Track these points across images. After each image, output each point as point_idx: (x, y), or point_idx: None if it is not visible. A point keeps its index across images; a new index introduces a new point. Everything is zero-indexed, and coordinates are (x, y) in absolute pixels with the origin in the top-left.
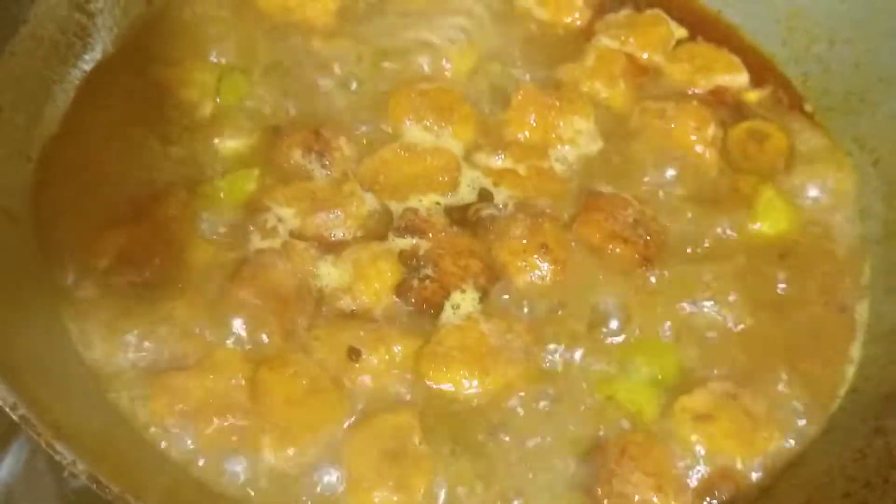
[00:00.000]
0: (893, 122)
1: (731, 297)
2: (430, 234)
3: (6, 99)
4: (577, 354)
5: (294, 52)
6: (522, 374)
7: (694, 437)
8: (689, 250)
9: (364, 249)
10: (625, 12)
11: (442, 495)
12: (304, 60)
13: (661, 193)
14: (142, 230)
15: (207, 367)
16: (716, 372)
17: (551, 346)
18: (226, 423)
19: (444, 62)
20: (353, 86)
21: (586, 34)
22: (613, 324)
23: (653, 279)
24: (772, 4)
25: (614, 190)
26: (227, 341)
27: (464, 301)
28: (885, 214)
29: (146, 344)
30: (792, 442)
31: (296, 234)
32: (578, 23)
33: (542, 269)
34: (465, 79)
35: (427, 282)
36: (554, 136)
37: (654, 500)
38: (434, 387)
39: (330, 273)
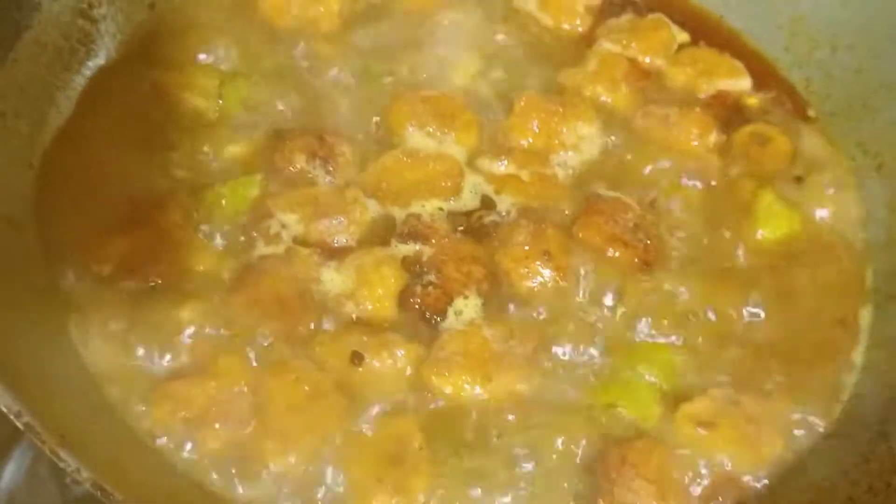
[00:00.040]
0: None
1: (733, 303)
2: (433, 240)
3: (9, 106)
4: (579, 361)
5: (296, 57)
6: (524, 379)
7: (696, 444)
8: (690, 255)
9: (367, 255)
10: (626, 17)
11: (441, 500)
12: (307, 65)
13: (662, 198)
14: (144, 236)
15: (210, 374)
16: (717, 378)
17: (553, 353)
18: (228, 430)
19: (446, 68)
20: (356, 91)
21: (588, 39)
22: (616, 330)
23: (654, 284)
24: (774, 10)
25: (617, 194)
26: (230, 348)
27: (466, 307)
28: (888, 219)
29: (149, 350)
30: (794, 447)
31: (299, 241)
32: (580, 29)
33: (545, 275)
34: (467, 85)
35: (430, 288)
36: (556, 141)
37: None
38: (437, 392)
39: (333, 279)
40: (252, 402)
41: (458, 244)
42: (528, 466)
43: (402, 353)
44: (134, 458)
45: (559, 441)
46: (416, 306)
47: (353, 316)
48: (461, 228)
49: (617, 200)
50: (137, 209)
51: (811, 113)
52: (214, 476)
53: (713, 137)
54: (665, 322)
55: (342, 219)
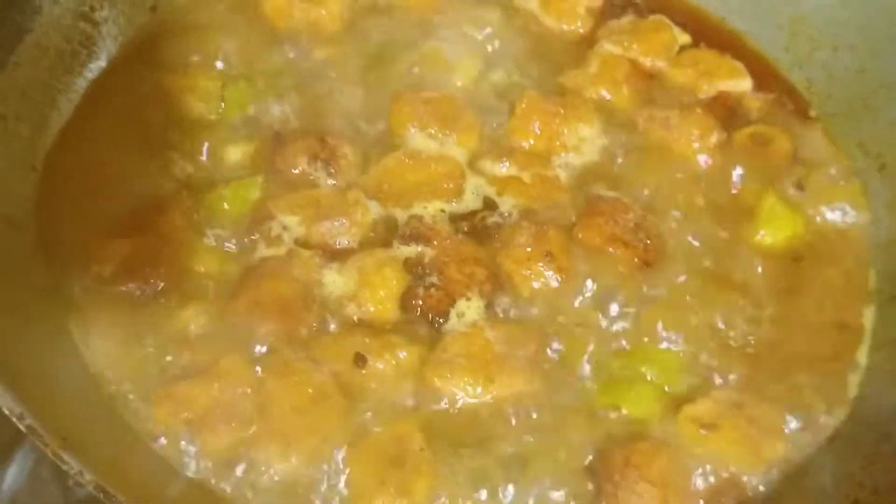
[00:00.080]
0: None
1: (735, 304)
2: (435, 242)
3: (11, 109)
4: (582, 363)
5: (298, 60)
6: (527, 381)
7: (699, 446)
8: (692, 257)
9: (369, 257)
10: (628, 18)
11: (443, 502)
12: (309, 68)
13: (664, 200)
14: (146, 238)
15: (213, 376)
16: (721, 380)
17: (556, 354)
18: (231, 432)
19: (448, 70)
20: (357, 93)
21: (589, 40)
22: (618, 331)
23: (656, 285)
24: (775, 11)
25: (618, 195)
26: (233, 350)
27: (469, 309)
28: (890, 220)
29: (151, 352)
30: (798, 449)
31: (301, 242)
32: (581, 30)
33: (547, 276)
34: (469, 86)
35: (432, 289)
36: (558, 143)
37: None
38: (439, 394)
39: (335, 281)
40: (254, 404)
41: (460, 246)
42: (531, 469)
43: (405, 354)
44: (136, 459)
45: (562, 442)
46: (419, 308)
47: (355, 318)
48: (463, 230)
49: (617, 201)
50: (139, 211)
51: (812, 113)
52: (217, 478)
53: (714, 138)
54: (667, 323)
55: (344, 220)
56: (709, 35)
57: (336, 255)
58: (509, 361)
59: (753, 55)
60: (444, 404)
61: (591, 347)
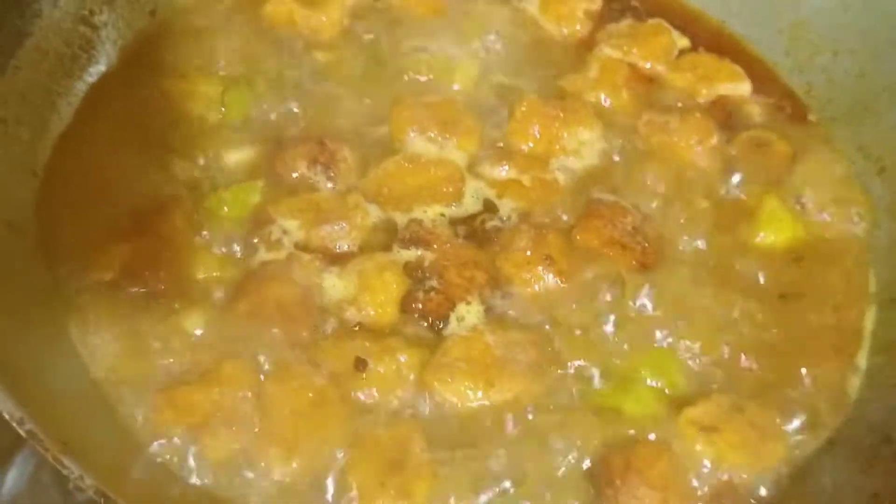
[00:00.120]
0: None
1: (735, 307)
2: (435, 246)
3: (11, 113)
4: (582, 366)
5: (298, 64)
6: (527, 385)
7: (700, 450)
8: (692, 260)
9: (369, 261)
10: (626, 22)
11: None
12: (309, 72)
13: (663, 203)
14: (146, 242)
15: (213, 380)
16: (721, 383)
17: (556, 358)
18: (232, 436)
19: (447, 74)
20: (357, 97)
21: (588, 44)
22: (618, 335)
23: (656, 288)
24: (775, 15)
25: (617, 199)
26: (233, 354)
27: (469, 313)
28: (889, 223)
29: (152, 357)
30: (799, 453)
31: (301, 246)
32: (580, 34)
33: (547, 280)
34: (468, 90)
35: (432, 293)
36: (558, 146)
37: None
38: (439, 398)
39: (335, 285)
40: (255, 408)
41: (460, 249)
42: (532, 473)
43: (405, 358)
44: (137, 464)
45: (563, 447)
46: (419, 312)
47: (356, 322)
48: (463, 234)
49: (616, 205)
50: (139, 215)
51: (812, 118)
52: (218, 482)
53: (713, 142)
54: (667, 326)
55: (344, 224)
56: (708, 39)
57: (336, 259)
58: (509, 365)
59: (753, 59)
60: (444, 408)
61: (591, 351)
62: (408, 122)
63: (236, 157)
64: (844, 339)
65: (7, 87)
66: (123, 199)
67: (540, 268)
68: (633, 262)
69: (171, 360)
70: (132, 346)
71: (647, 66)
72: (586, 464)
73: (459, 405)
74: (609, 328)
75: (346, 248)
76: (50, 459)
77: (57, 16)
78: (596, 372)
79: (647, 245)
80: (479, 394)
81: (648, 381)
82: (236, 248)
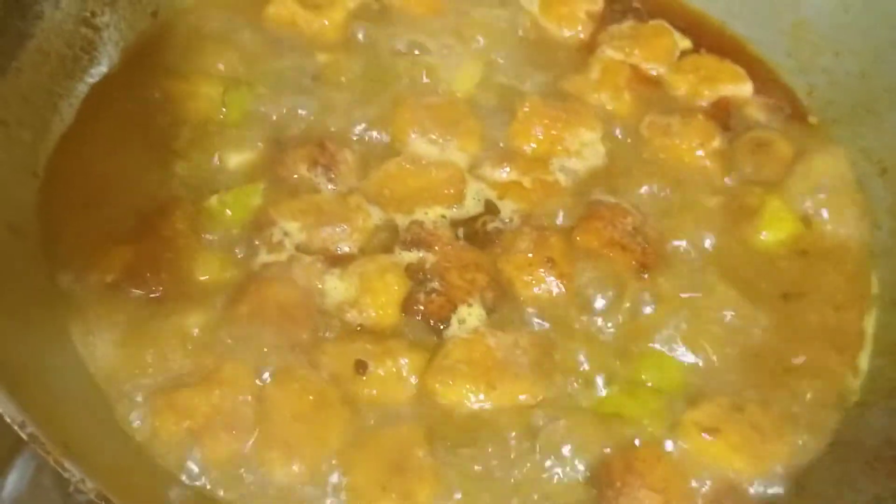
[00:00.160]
0: None
1: (737, 309)
2: (437, 248)
3: (12, 114)
4: (583, 368)
5: (300, 66)
6: (528, 388)
7: (701, 452)
8: (693, 261)
9: (370, 263)
10: (628, 23)
11: None
12: (310, 74)
13: (665, 205)
14: (148, 245)
15: (214, 383)
16: (722, 384)
17: (557, 360)
18: (233, 439)
19: (449, 75)
20: (359, 99)
21: (590, 45)
22: (619, 337)
23: (657, 290)
24: (776, 16)
25: (618, 201)
26: (234, 356)
27: (470, 315)
28: (891, 225)
29: (153, 359)
30: (800, 455)
31: (302, 248)
32: (581, 35)
33: (549, 282)
34: (469, 92)
35: (434, 295)
36: (560, 148)
37: None
38: (440, 400)
39: (336, 287)
40: (256, 411)
41: (462, 251)
42: (533, 474)
43: (406, 361)
44: (138, 467)
45: (564, 449)
46: (420, 314)
47: (357, 324)
48: (464, 235)
49: (617, 206)
50: (141, 217)
51: (813, 119)
52: (219, 485)
53: (715, 144)
54: (669, 328)
55: (345, 226)
56: (709, 40)
57: (337, 261)
58: (511, 368)
59: (754, 60)
60: (445, 410)
61: (592, 353)
62: (409, 124)
63: (237, 158)
64: (846, 341)
65: (9, 89)
66: (125, 200)
67: (541, 270)
68: (633, 263)
69: (172, 362)
70: (133, 348)
71: (649, 67)
72: (587, 465)
73: (461, 407)
74: (610, 330)
75: (347, 249)
76: (51, 462)
77: (58, 17)
78: (597, 374)
79: (647, 246)
80: (481, 396)
81: (649, 383)
82: (237, 249)
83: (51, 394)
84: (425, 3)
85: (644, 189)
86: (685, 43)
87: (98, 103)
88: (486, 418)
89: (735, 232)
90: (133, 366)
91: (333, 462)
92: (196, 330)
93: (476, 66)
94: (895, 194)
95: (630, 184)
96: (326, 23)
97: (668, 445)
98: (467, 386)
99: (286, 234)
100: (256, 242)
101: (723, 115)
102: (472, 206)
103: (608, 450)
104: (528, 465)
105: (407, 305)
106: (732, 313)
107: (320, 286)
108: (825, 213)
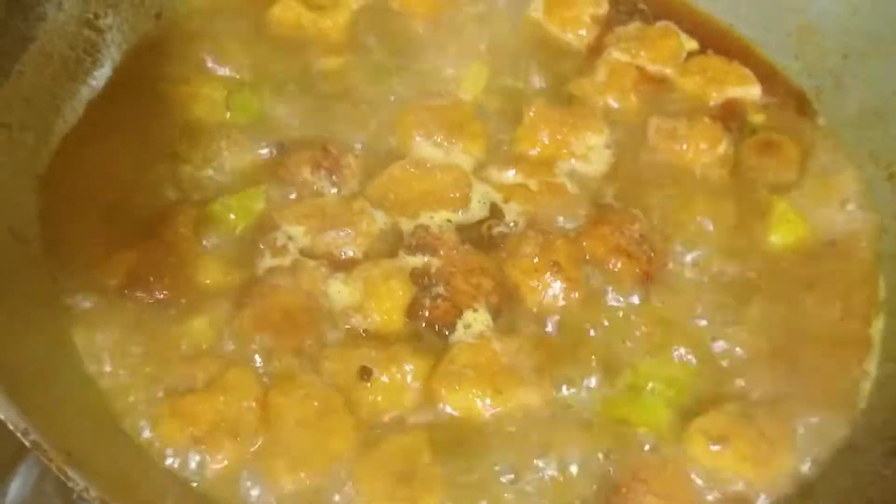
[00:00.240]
0: None
1: (744, 314)
2: (442, 252)
3: (15, 118)
4: (590, 374)
5: (304, 69)
6: (534, 393)
7: (708, 460)
8: (700, 266)
9: (375, 267)
10: (634, 25)
11: None
12: (314, 76)
13: (672, 208)
14: (151, 249)
15: (218, 389)
16: (729, 392)
17: (563, 366)
18: (237, 446)
19: (454, 78)
20: (363, 102)
21: (596, 48)
22: (626, 343)
23: (664, 297)
24: (783, 18)
25: (625, 205)
26: (238, 362)
27: (476, 320)
28: None
29: (156, 365)
30: (808, 463)
31: (306, 253)
32: (586, 38)
33: (555, 287)
34: (475, 94)
35: (439, 300)
36: (566, 151)
37: None
38: (446, 406)
39: (340, 292)
40: (260, 418)
41: (467, 256)
42: (539, 480)
43: (411, 367)
44: (142, 475)
45: (570, 455)
46: (425, 319)
47: (361, 329)
48: (470, 240)
49: (625, 211)
50: (144, 221)
51: (821, 121)
52: (223, 493)
53: (722, 147)
54: (675, 335)
55: (349, 230)
56: (716, 42)
57: (341, 266)
58: (517, 373)
59: (762, 62)
60: (451, 416)
61: (598, 358)
62: (413, 127)
63: (241, 162)
64: (855, 346)
65: (12, 92)
66: (128, 204)
67: (547, 274)
68: (637, 271)
69: (176, 368)
70: (136, 353)
71: (656, 69)
72: (593, 472)
73: (466, 413)
74: (617, 336)
75: (351, 254)
76: (54, 470)
77: (61, 19)
78: (604, 380)
79: (653, 255)
80: (487, 401)
81: (657, 390)
82: (241, 254)
83: (53, 400)
84: (430, 6)
85: (650, 192)
86: (692, 44)
87: (101, 106)
88: (492, 423)
89: (743, 234)
90: (136, 372)
91: (339, 471)
92: (199, 335)
93: (480, 69)
94: None
95: (636, 187)
96: (330, 23)
97: (675, 452)
98: (473, 391)
99: (290, 238)
100: (260, 246)
101: (730, 116)
102: (477, 210)
103: (614, 456)
104: (534, 470)
105: (412, 311)
106: (740, 319)
107: (325, 291)
108: (832, 217)
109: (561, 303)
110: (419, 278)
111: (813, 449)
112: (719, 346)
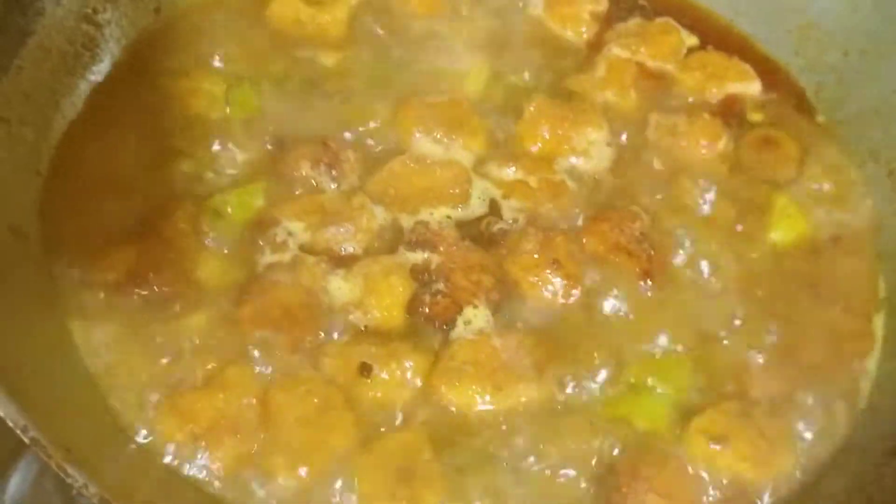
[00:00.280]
0: None
1: (744, 312)
2: (442, 248)
3: (14, 113)
4: (590, 372)
5: (303, 64)
6: (535, 390)
7: (708, 458)
8: (700, 264)
9: (375, 264)
10: (634, 21)
11: None
12: (314, 71)
13: (672, 205)
14: (151, 245)
15: (218, 386)
16: (730, 391)
17: (563, 363)
18: (237, 443)
19: (453, 74)
20: (362, 97)
21: (596, 45)
22: (626, 341)
23: (665, 294)
24: (784, 14)
25: (625, 202)
26: (238, 359)
27: (476, 316)
28: None
29: (156, 362)
30: (808, 462)
31: (306, 249)
32: (586, 36)
33: (555, 284)
34: (475, 90)
35: (439, 297)
36: (566, 147)
37: None
38: (446, 402)
39: (340, 288)
40: (260, 415)
41: (467, 252)
42: (539, 478)
43: (411, 364)
44: (141, 472)
45: (570, 453)
46: (425, 315)
47: (361, 325)
48: (470, 236)
49: (625, 209)
50: (143, 217)
51: (821, 119)
52: (223, 490)
53: (722, 143)
54: (676, 333)
55: (349, 226)
56: (717, 38)
57: (341, 262)
58: (517, 370)
59: (762, 58)
60: (451, 413)
61: (598, 355)
62: (413, 123)
63: (240, 157)
64: (854, 344)
65: (10, 87)
66: (127, 200)
67: (547, 271)
68: (637, 270)
69: (175, 364)
70: (136, 350)
71: (656, 65)
72: (593, 469)
73: (466, 410)
74: (617, 334)
75: (351, 250)
76: (54, 467)
77: (60, 14)
78: (604, 377)
79: (653, 252)
80: (487, 397)
81: (657, 388)
82: (240, 250)
83: (52, 397)
84: (429, 1)
85: (650, 189)
86: (692, 40)
87: (100, 101)
88: (492, 420)
89: (742, 232)
90: (136, 368)
91: (340, 467)
92: (198, 332)
93: (480, 65)
94: None
95: (636, 183)
96: (329, 18)
97: (676, 451)
98: (473, 387)
99: (290, 234)
100: (260, 242)
101: (730, 113)
102: (477, 206)
103: (615, 454)
104: (534, 468)
105: (412, 307)
106: (739, 316)
107: (325, 287)
108: (832, 214)
109: (561, 300)
110: (419, 274)
111: (813, 447)
112: (719, 344)
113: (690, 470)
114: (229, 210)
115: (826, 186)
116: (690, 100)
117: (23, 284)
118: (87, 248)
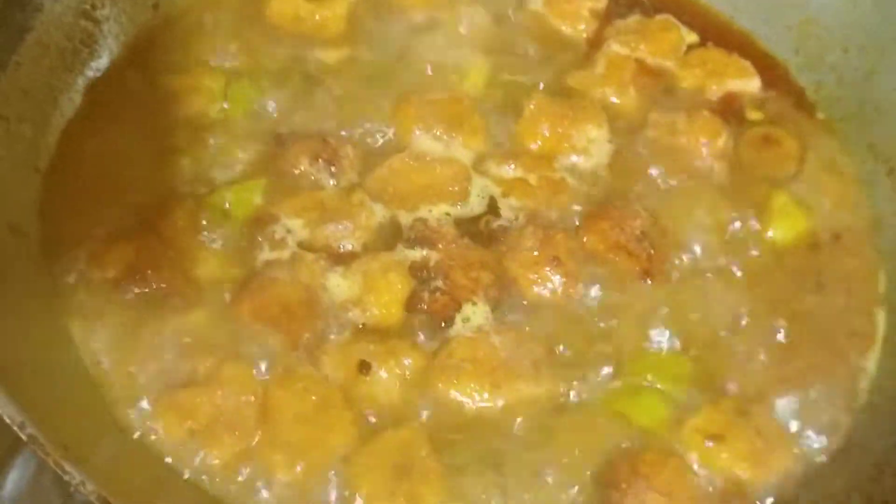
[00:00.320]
0: None
1: (743, 310)
2: (441, 246)
3: (13, 110)
4: (589, 369)
5: (303, 59)
6: (533, 387)
7: (706, 457)
8: (700, 262)
9: (374, 261)
10: (634, 18)
11: None
12: (313, 67)
13: (672, 203)
14: (149, 242)
15: (216, 383)
16: (727, 388)
17: (562, 360)
18: (235, 440)
19: (453, 71)
20: (362, 94)
21: (596, 41)
22: (625, 339)
23: (664, 293)
24: (784, 11)
25: (625, 199)
26: (236, 356)
27: (475, 314)
28: None
29: (154, 359)
30: (806, 460)
31: (304, 246)
32: (585, 33)
33: (554, 281)
34: (474, 88)
35: (438, 294)
36: (566, 145)
37: None
38: (445, 400)
39: (339, 285)
40: (258, 412)
41: (466, 250)
42: (537, 476)
43: (410, 361)
44: (139, 469)
45: (569, 450)
46: (424, 313)
47: (360, 322)
48: (469, 233)
49: (626, 207)
50: (142, 214)
51: (821, 115)
52: (221, 487)
53: (722, 141)
54: (674, 331)
55: (348, 223)
56: (716, 35)
57: (340, 259)
58: (515, 367)
59: (762, 55)
60: (449, 410)
61: (597, 353)
62: (413, 120)
63: (239, 154)
64: (853, 342)
65: (9, 84)
66: (126, 196)
67: (547, 269)
68: (637, 269)
69: (174, 361)
70: (134, 347)
71: (655, 62)
72: (592, 468)
73: (465, 407)
74: (615, 330)
75: (350, 247)
76: (51, 465)
77: (58, 10)
78: (602, 375)
79: (652, 252)
80: (485, 395)
81: (655, 387)
82: (239, 247)
83: (50, 394)
84: None
85: (650, 186)
86: (692, 37)
87: (99, 97)
88: (490, 418)
89: (742, 229)
90: (134, 365)
91: (338, 465)
92: (197, 329)
93: (481, 63)
94: None
95: (636, 181)
96: (329, 15)
97: (674, 449)
98: (472, 385)
99: (289, 231)
100: (258, 239)
101: (729, 110)
102: (476, 204)
103: (613, 452)
104: (533, 465)
105: (410, 304)
106: (738, 314)
107: (323, 284)
108: (832, 212)
109: (560, 297)
110: (418, 272)
111: (811, 445)
112: (718, 342)
113: (689, 467)
114: (228, 207)
115: (825, 184)
116: (690, 97)
117: (22, 282)
118: (85, 245)
